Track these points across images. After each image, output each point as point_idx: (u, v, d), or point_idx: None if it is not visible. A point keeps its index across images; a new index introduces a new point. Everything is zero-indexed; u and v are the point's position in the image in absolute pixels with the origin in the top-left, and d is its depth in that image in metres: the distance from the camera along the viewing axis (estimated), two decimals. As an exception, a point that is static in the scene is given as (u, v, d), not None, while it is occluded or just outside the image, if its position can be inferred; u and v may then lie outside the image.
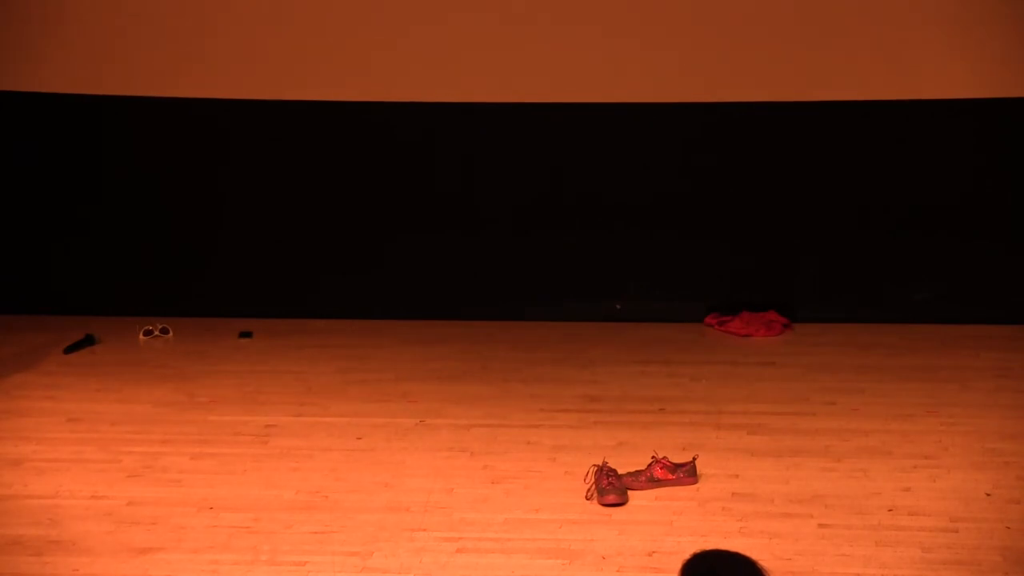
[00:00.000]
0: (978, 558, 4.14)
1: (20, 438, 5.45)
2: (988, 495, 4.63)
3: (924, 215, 6.89)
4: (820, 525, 4.42)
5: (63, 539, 4.45)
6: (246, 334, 6.95)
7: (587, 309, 7.14)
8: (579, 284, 7.18)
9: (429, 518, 4.57)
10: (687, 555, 3.04)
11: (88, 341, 6.81)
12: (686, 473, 4.81)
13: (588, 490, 4.71)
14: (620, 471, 4.76)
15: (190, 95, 7.03)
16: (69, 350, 6.69)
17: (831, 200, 6.95)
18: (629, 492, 4.70)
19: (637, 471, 4.80)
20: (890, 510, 4.52)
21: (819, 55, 6.66)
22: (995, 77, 6.58)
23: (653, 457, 4.82)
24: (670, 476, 4.78)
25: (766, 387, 5.96)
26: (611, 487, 4.66)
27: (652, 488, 4.76)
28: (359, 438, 5.40)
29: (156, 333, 6.97)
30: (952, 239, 6.88)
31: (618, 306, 7.15)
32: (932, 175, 6.85)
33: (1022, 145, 6.75)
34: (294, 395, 5.99)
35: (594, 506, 4.64)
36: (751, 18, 6.67)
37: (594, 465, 4.78)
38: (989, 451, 5.06)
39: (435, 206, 7.19)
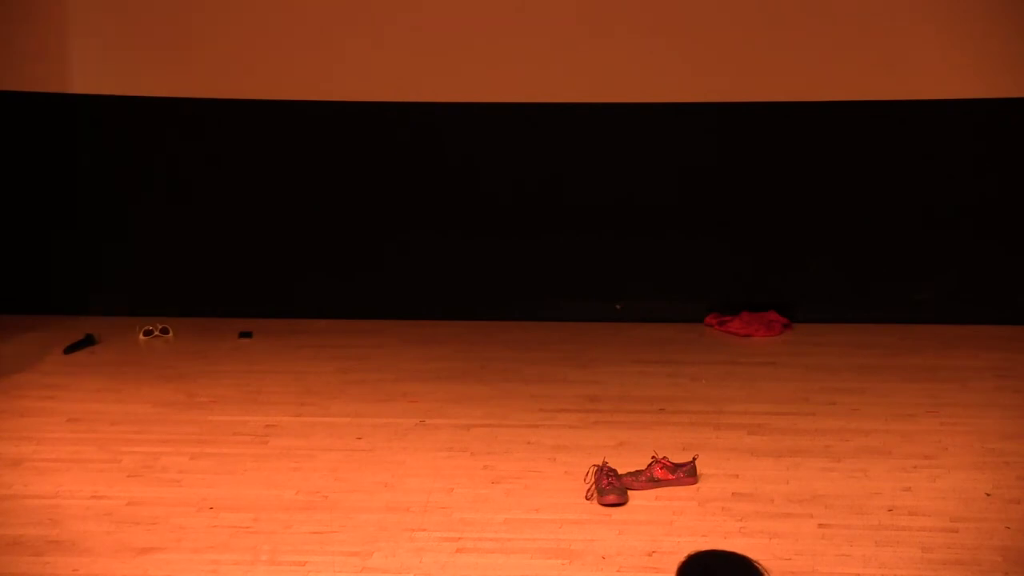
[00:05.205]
0: (978, 558, 4.14)
1: (20, 438, 5.44)
2: (988, 495, 4.63)
3: (924, 215, 6.88)
4: (820, 525, 4.42)
5: (63, 539, 4.45)
6: (246, 334, 6.94)
7: (587, 309, 7.14)
8: (579, 284, 7.17)
9: (429, 518, 4.57)
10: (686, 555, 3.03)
11: (88, 341, 6.80)
12: (686, 473, 4.81)
13: (588, 490, 4.71)
14: (620, 471, 4.76)
15: (191, 95, 7.03)
16: (69, 350, 6.69)
17: (831, 200, 6.94)
18: (629, 492, 4.70)
19: (637, 471, 4.80)
20: (890, 510, 4.52)
21: (819, 55, 6.65)
22: (995, 77, 6.57)
23: (653, 457, 4.82)
24: (670, 476, 4.78)
25: (766, 387, 5.96)
26: (611, 487, 4.66)
27: (652, 488, 4.75)
28: (359, 438, 5.40)
29: (156, 333, 6.96)
30: (953, 239, 6.87)
31: (618, 306, 7.14)
32: (932, 175, 6.84)
33: (1022, 145, 6.74)
34: (294, 395, 5.98)
35: (594, 506, 4.64)
36: (751, 19, 6.67)
37: (594, 465, 4.78)
38: (989, 451, 5.06)
39: (435, 206, 7.18)
